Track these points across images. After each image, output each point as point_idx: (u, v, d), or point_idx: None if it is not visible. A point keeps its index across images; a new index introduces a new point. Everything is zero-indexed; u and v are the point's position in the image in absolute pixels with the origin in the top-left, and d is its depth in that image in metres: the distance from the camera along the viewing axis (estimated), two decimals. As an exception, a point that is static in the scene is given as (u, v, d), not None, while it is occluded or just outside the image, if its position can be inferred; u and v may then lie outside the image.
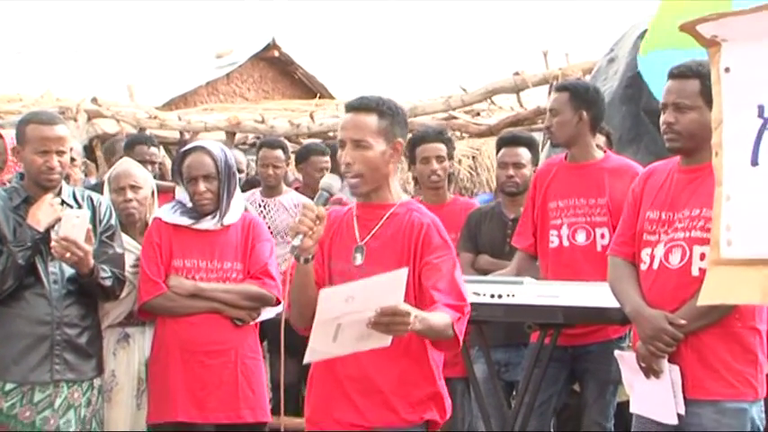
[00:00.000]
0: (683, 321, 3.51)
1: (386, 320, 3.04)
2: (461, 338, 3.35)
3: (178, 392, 4.50)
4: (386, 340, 3.13)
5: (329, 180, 3.46)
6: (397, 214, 3.49)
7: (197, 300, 4.56)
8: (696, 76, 3.64)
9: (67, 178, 6.33)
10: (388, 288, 3.08)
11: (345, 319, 3.09)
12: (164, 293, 4.55)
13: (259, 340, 4.88)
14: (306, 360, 3.26)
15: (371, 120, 3.45)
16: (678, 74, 3.71)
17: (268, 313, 4.69)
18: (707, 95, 3.55)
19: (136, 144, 7.12)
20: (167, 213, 4.69)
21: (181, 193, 4.76)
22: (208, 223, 4.63)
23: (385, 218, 3.48)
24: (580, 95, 4.89)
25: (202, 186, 4.57)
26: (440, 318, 3.26)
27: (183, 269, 4.60)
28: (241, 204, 4.81)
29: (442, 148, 5.52)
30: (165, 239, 4.62)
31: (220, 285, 4.59)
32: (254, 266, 4.64)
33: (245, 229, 4.69)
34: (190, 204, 4.66)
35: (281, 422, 4.37)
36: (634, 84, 6.57)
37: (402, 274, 3.09)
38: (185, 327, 4.54)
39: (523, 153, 5.40)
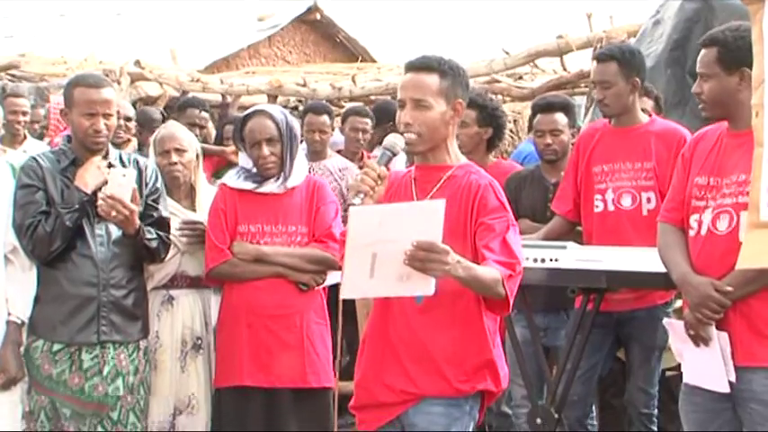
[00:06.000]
0: (729, 288, 3.47)
1: (422, 255, 2.98)
2: (512, 298, 3.29)
3: (244, 357, 4.51)
4: (429, 286, 3.05)
5: (393, 139, 3.43)
6: (455, 176, 3.45)
7: (261, 264, 4.55)
8: (714, 44, 3.64)
9: (126, 143, 6.46)
10: (424, 219, 3.03)
11: (380, 248, 3.05)
12: (229, 260, 4.55)
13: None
14: (342, 295, 3.25)
15: (432, 79, 3.40)
16: (701, 43, 3.72)
17: (334, 277, 4.51)
18: (724, 62, 3.59)
19: (187, 107, 7.18)
20: (232, 179, 4.69)
21: (244, 159, 4.74)
22: (271, 186, 4.61)
23: (443, 180, 3.45)
24: (629, 63, 4.80)
25: (266, 150, 4.56)
26: (487, 271, 3.20)
27: (248, 234, 4.59)
28: (304, 167, 4.78)
29: (469, 114, 5.33)
30: (230, 205, 4.61)
31: (283, 249, 4.58)
32: (318, 229, 4.62)
33: (309, 191, 4.66)
34: (254, 169, 4.65)
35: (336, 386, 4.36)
36: (680, 46, 6.49)
37: (439, 204, 3.05)
38: (250, 292, 4.54)
39: (560, 119, 5.31)
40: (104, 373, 4.23)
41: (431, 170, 3.48)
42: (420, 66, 3.43)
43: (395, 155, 3.43)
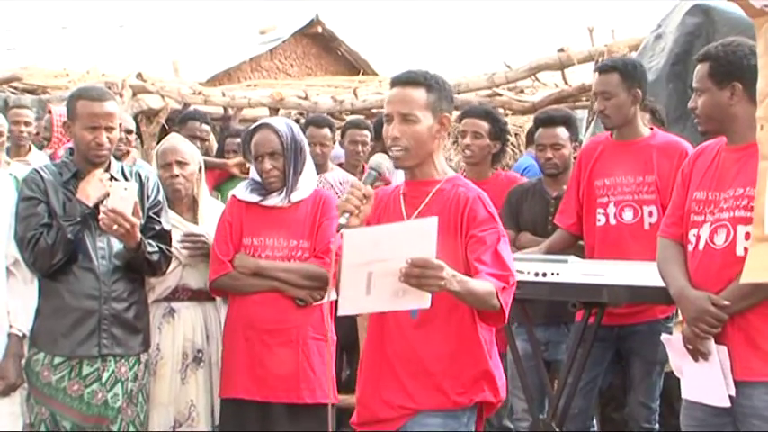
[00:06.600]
0: (726, 302, 3.48)
1: (417, 272, 2.98)
2: (507, 310, 3.29)
3: (240, 370, 4.51)
4: (424, 300, 3.05)
5: (379, 159, 3.43)
6: (443, 190, 3.46)
7: (259, 278, 4.54)
8: (707, 59, 3.68)
9: (125, 155, 6.47)
10: (418, 237, 3.03)
11: (375, 267, 3.06)
12: (229, 273, 4.56)
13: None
14: (339, 312, 3.23)
15: (419, 94, 3.42)
16: (696, 58, 3.77)
17: (334, 293, 4.51)
18: (716, 77, 3.62)
19: (189, 120, 7.22)
20: (241, 191, 4.70)
21: (253, 171, 4.74)
22: (275, 200, 4.61)
23: (431, 195, 3.45)
24: (631, 74, 4.82)
25: (268, 164, 4.56)
26: (481, 284, 3.21)
27: (251, 247, 4.59)
28: (312, 181, 4.76)
29: (478, 124, 5.47)
30: (236, 217, 4.62)
31: (281, 264, 4.56)
32: (318, 245, 4.59)
33: (315, 205, 4.64)
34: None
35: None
36: (681, 61, 6.50)
37: (432, 222, 3.04)
38: (249, 305, 4.54)
39: (561, 133, 5.34)
40: (104, 379, 4.22)
41: (418, 185, 3.50)
42: (407, 80, 3.46)
43: (380, 174, 3.44)
